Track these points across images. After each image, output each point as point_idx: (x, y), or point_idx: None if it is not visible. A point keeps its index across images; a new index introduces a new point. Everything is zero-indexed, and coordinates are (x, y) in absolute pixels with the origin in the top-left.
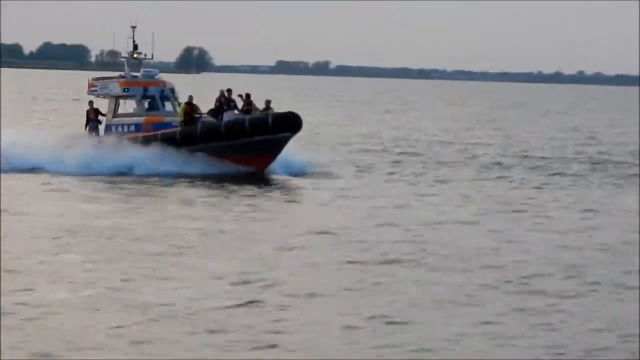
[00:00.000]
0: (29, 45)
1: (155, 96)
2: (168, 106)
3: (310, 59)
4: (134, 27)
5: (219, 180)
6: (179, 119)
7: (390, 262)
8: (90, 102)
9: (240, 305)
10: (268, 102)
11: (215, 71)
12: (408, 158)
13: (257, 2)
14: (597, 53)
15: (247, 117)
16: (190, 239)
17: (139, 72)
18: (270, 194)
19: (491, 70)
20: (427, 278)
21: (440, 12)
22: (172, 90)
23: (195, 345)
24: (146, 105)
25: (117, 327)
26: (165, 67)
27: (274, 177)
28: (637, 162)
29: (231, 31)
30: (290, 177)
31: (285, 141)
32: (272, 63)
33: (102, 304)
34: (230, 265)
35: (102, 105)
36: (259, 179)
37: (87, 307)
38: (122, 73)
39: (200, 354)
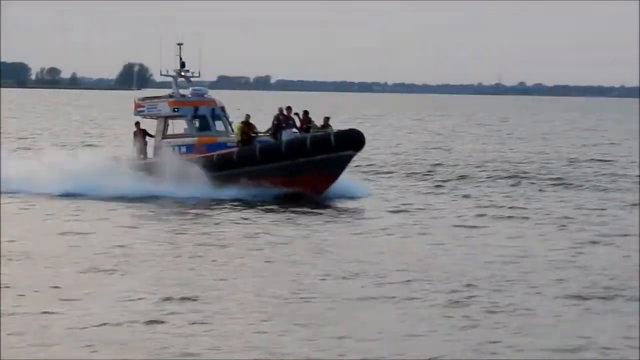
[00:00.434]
0: None
1: (206, 115)
2: (219, 125)
3: (251, 74)
4: (180, 44)
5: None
6: (233, 138)
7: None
8: (137, 123)
9: None
10: (327, 119)
11: (156, 87)
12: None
13: (195, 19)
14: (536, 64)
15: (308, 135)
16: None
17: (176, 89)
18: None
19: (432, 83)
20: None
21: (380, 24)
22: (223, 109)
23: None
24: (197, 125)
25: None
26: (105, 84)
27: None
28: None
29: (170, 47)
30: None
31: (348, 160)
32: (213, 78)
33: None
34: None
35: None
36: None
37: None
38: (170, 92)
39: None
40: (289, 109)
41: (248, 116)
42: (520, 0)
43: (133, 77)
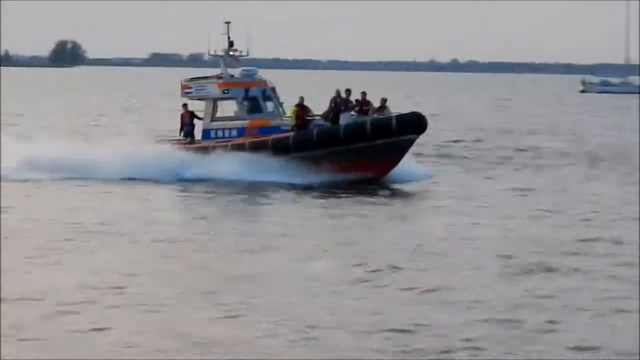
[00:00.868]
0: None
1: (257, 97)
2: (270, 107)
3: (185, 51)
4: (228, 23)
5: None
6: (287, 122)
7: None
8: (185, 105)
9: None
10: (384, 101)
11: (89, 64)
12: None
13: None
14: (470, 42)
15: (369, 119)
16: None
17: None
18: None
19: (363, 60)
20: None
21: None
22: (274, 90)
23: None
24: (247, 107)
25: None
26: (39, 62)
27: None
28: None
29: (103, 25)
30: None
31: (410, 144)
32: (146, 55)
33: None
34: None
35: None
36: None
37: None
38: (219, 73)
39: None
40: (347, 91)
41: (302, 98)
42: None
43: (66, 54)
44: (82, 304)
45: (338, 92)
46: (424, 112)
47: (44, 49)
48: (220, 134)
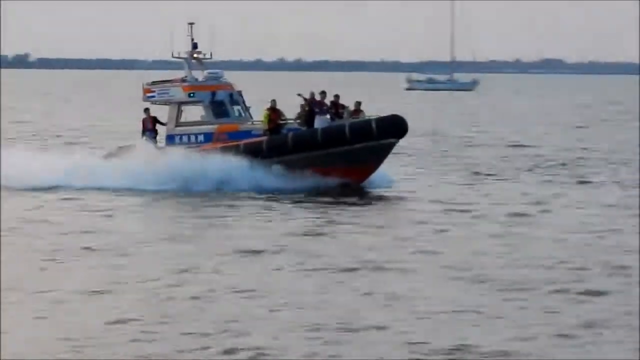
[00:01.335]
0: None
1: (224, 101)
2: (236, 111)
3: (9, 52)
4: (191, 24)
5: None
6: (258, 126)
7: None
8: (147, 110)
9: None
10: (358, 104)
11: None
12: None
13: None
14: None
15: (347, 122)
16: None
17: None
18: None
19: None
20: None
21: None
22: (240, 94)
23: None
24: (213, 111)
25: None
26: None
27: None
28: None
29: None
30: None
31: (390, 148)
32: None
33: None
34: None
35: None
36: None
37: None
38: (183, 76)
39: None
40: (322, 93)
41: (274, 102)
42: None
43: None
44: None
45: (312, 95)
46: None
47: None
48: (185, 139)
